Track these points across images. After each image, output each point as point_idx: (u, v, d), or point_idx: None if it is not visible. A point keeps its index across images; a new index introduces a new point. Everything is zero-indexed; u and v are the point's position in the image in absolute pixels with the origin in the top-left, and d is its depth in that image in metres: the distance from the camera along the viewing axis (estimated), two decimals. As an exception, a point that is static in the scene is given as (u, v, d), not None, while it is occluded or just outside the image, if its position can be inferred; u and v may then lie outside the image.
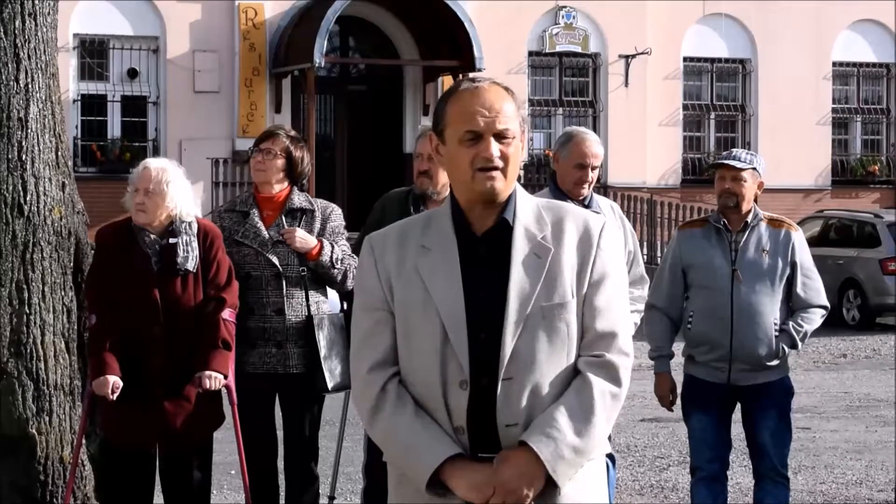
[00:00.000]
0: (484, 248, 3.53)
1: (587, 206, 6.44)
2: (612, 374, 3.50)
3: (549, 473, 3.41)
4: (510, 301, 3.47)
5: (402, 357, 3.55)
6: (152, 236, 5.98)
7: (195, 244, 6.02)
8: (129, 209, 6.06)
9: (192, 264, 5.98)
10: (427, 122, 6.66)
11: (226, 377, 6.00)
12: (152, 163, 6.09)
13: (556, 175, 6.58)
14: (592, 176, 6.51)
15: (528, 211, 3.55)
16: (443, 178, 6.37)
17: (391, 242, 3.61)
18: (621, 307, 3.57)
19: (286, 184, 6.58)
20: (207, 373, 5.91)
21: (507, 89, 3.56)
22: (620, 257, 3.61)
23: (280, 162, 6.52)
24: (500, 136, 3.48)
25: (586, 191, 6.51)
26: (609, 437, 6.62)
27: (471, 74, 22.39)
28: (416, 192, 6.52)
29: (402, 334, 3.54)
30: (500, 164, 3.48)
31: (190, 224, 6.05)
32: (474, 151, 3.48)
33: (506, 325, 3.46)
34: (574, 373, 3.51)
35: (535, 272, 3.49)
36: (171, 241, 5.97)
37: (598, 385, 3.48)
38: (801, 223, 19.45)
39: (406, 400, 3.52)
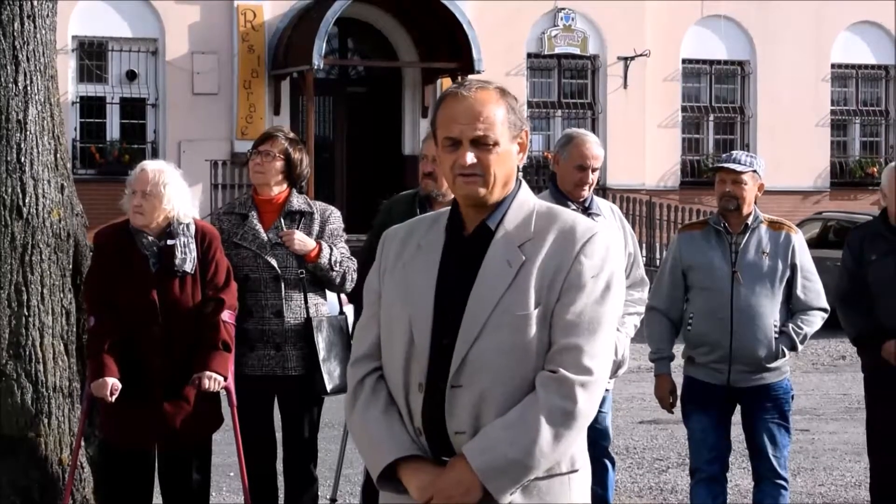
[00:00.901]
0: (465, 250, 3.52)
1: (587, 208, 6.45)
2: (563, 391, 3.39)
3: (484, 485, 3.37)
4: (468, 307, 3.44)
5: (383, 352, 3.58)
6: (150, 238, 5.98)
7: (193, 245, 6.02)
8: (126, 211, 6.06)
9: (189, 266, 5.98)
10: (422, 125, 6.69)
11: (225, 378, 6.01)
12: (149, 165, 6.09)
13: (556, 177, 6.58)
14: (593, 178, 6.52)
15: (518, 216, 3.52)
16: (443, 181, 6.38)
17: (398, 239, 3.63)
18: (595, 321, 3.43)
19: (285, 186, 6.57)
20: (207, 374, 5.92)
21: (502, 93, 3.53)
22: (606, 271, 3.47)
23: (279, 164, 6.51)
24: (478, 143, 3.46)
25: (587, 192, 6.51)
26: (608, 438, 6.68)
27: (470, 77, 22.40)
28: (421, 195, 6.54)
29: (384, 331, 3.58)
30: (477, 171, 3.46)
31: (188, 226, 6.05)
32: (454, 157, 3.48)
33: (460, 331, 3.44)
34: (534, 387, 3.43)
35: (502, 280, 3.44)
36: (169, 242, 5.98)
37: (547, 401, 3.38)
38: (800, 225, 19.46)
39: (380, 395, 3.55)
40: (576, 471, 3.53)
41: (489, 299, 3.43)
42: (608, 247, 3.50)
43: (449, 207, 3.63)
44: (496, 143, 3.47)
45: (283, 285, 6.44)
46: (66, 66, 21.62)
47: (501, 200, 3.53)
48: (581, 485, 3.56)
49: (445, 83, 23.75)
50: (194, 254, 6.02)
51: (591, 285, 3.44)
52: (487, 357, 3.42)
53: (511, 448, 3.37)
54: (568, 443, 3.43)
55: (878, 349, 6.63)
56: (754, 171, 6.44)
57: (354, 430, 3.60)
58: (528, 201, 3.56)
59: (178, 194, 6.02)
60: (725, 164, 6.44)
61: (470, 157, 3.46)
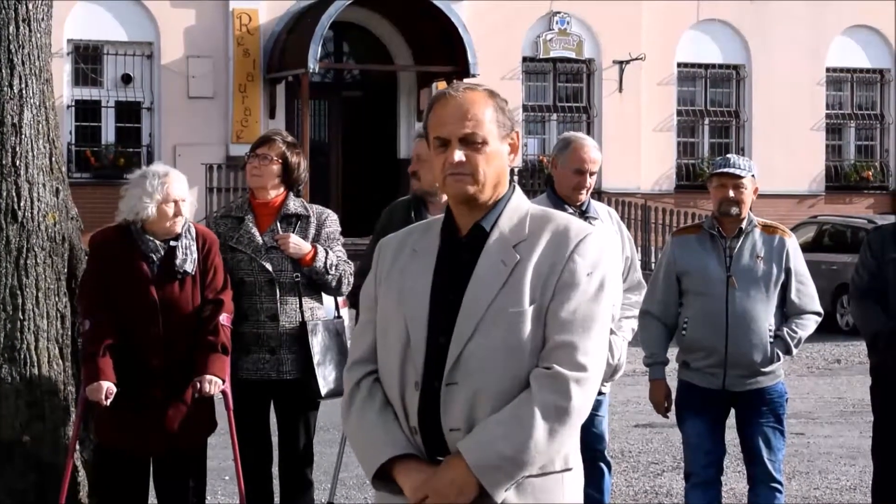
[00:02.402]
0: (460, 253, 3.56)
1: (585, 212, 6.46)
2: (557, 388, 3.42)
3: (479, 482, 3.39)
4: (463, 305, 3.48)
5: (378, 355, 3.62)
6: (157, 241, 5.99)
7: (194, 247, 6.05)
8: (135, 212, 5.98)
9: (190, 266, 6.00)
10: (417, 129, 6.74)
11: (224, 382, 6.01)
12: (172, 170, 6.10)
13: (553, 180, 6.58)
14: (590, 181, 6.52)
15: (513, 218, 3.56)
16: (429, 178, 6.40)
17: (393, 245, 3.68)
18: (589, 318, 3.47)
19: (282, 189, 6.57)
20: (207, 377, 5.92)
21: (490, 94, 3.58)
22: (600, 269, 3.50)
23: (276, 167, 6.51)
24: (466, 142, 3.51)
25: (584, 196, 6.52)
26: (604, 442, 6.67)
27: (465, 80, 22.41)
28: (416, 196, 6.57)
29: (379, 333, 3.61)
30: (465, 169, 3.51)
31: (189, 228, 6.07)
32: (444, 157, 3.53)
33: (455, 329, 3.47)
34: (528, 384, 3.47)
35: (497, 279, 3.48)
36: (172, 243, 5.99)
37: (541, 397, 3.41)
38: (794, 229, 19.49)
39: (376, 398, 3.58)
40: (569, 469, 3.55)
41: (483, 298, 3.47)
42: (602, 247, 3.54)
43: (443, 214, 3.67)
44: (484, 142, 3.52)
45: (278, 289, 6.44)
46: (62, 70, 21.61)
47: (495, 203, 3.57)
48: (574, 484, 3.59)
49: (441, 87, 23.64)
50: (195, 255, 6.04)
51: (586, 283, 3.48)
52: (482, 354, 3.45)
53: (506, 444, 3.39)
54: (562, 439, 3.45)
55: (891, 348, 6.56)
56: (752, 175, 6.45)
57: (350, 432, 3.63)
58: (521, 205, 3.60)
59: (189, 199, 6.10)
60: (727, 169, 6.43)
61: (458, 155, 3.51)
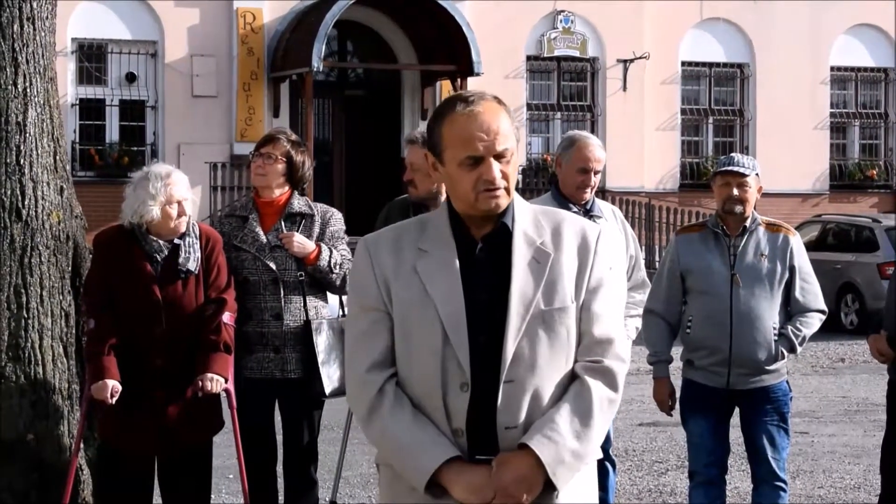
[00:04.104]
0: (483, 252, 3.56)
1: (589, 211, 6.46)
2: (609, 380, 3.54)
3: (549, 477, 3.42)
4: (512, 304, 3.49)
5: (400, 358, 3.56)
6: (160, 241, 5.99)
7: (197, 245, 6.05)
8: (139, 214, 5.98)
9: (193, 265, 6.00)
10: (420, 129, 6.68)
11: (226, 380, 6.01)
12: (174, 169, 6.11)
13: (557, 179, 6.58)
14: (595, 180, 6.52)
15: (526, 216, 3.60)
16: (426, 185, 6.46)
17: (386, 243, 3.62)
18: (617, 314, 3.63)
19: (286, 188, 6.57)
20: (209, 375, 5.92)
21: (499, 102, 3.59)
22: (617, 265, 3.63)
23: (280, 166, 6.51)
24: (500, 157, 3.52)
25: (588, 195, 6.52)
26: (608, 441, 6.67)
27: (470, 80, 22.41)
28: (411, 199, 6.59)
29: (401, 335, 3.55)
30: (502, 183, 3.52)
31: (192, 226, 6.08)
32: (476, 174, 3.51)
33: (508, 327, 3.48)
34: (572, 377, 3.54)
35: (536, 276, 3.52)
36: (176, 241, 6.00)
37: (597, 390, 3.51)
38: (799, 227, 19.46)
39: (404, 401, 3.53)
40: (611, 459, 3.68)
41: (527, 295, 3.50)
42: (613, 241, 3.66)
43: (431, 213, 3.70)
44: (512, 154, 3.55)
45: (282, 288, 6.44)
46: (66, 69, 21.63)
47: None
48: (594, 473, 3.70)
49: (444, 86, 23.76)
50: (198, 254, 6.04)
51: (610, 278, 3.59)
52: (533, 351, 3.49)
53: (574, 437, 3.45)
54: (607, 430, 3.60)
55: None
56: (756, 174, 6.45)
57: (380, 439, 3.56)
58: (524, 202, 3.66)
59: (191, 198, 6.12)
60: (732, 168, 6.42)
61: (496, 172, 3.51)
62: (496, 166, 3.50)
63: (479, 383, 3.48)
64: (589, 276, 3.55)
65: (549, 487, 3.45)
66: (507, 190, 3.54)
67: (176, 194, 5.98)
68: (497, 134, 3.50)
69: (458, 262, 3.54)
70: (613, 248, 3.64)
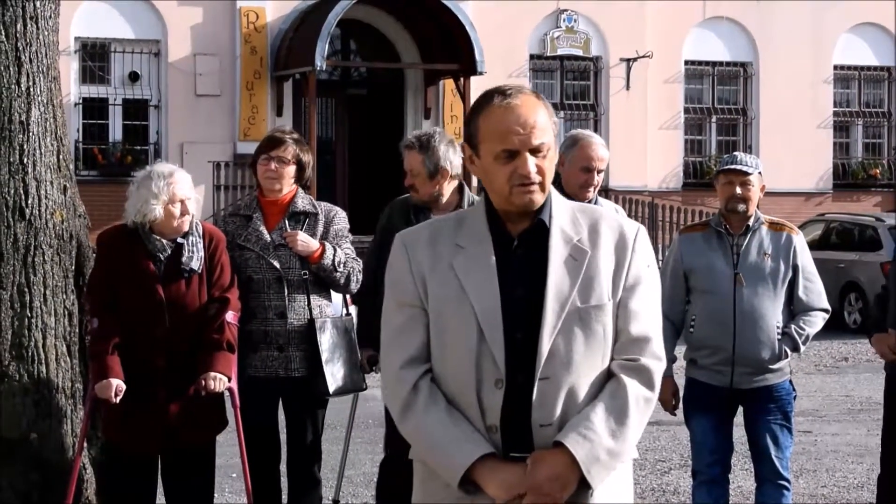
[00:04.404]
0: (519, 248, 3.54)
1: (591, 210, 6.46)
2: (646, 379, 3.52)
3: (584, 475, 3.41)
4: (548, 301, 3.47)
5: (435, 354, 3.56)
6: (164, 240, 5.99)
7: (201, 245, 6.05)
8: (142, 213, 5.99)
9: (196, 264, 6.00)
10: (414, 133, 6.66)
11: (229, 379, 6.01)
12: (178, 169, 6.11)
13: (560, 178, 6.58)
14: (598, 179, 6.53)
15: (564, 214, 3.58)
16: (426, 189, 6.47)
17: (423, 239, 3.62)
18: (654, 311, 3.59)
19: (293, 185, 6.60)
20: (212, 374, 5.92)
21: (538, 96, 3.56)
22: (654, 262, 3.62)
23: (291, 168, 6.55)
24: (536, 151, 3.49)
25: (591, 194, 6.52)
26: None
27: (472, 79, 22.38)
28: (412, 202, 6.60)
29: (436, 331, 3.55)
30: (537, 178, 3.49)
31: (196, 226, 6.08)
32: (511, 168, 3.49)
33: (544, 324, 3.46)
34: (608, 376, 3.52)
35: (573, 274, 3.50)
36: (179, 241, 6.00)
37: (633, 389, 3.49)
38: (802, 227, 19.46)
39: (438, 397, 3.53)
40: (634, 457, 3.64)
41: (563, 292, 3.48)
42: (648, 240, 3.65)
43: (470, 209, 3.67)
44: (549, 149, 3.52)
45: (286, 286, 6.44)
46: (69, 68, 21.64)
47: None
48: (631, 472, 3.69)
49: (447, 85, 23.77)
50: (202, 253, 6.04)
51: (648, 276, 3.58)
52: (569, 349, 3.47)
53: (609, 436, 3.44)
54: (643, 429, 3.55)
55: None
56: (759, 173, 6.45)
57: (415, 435, 3.56)
58: (562, 199, 3.64)
59: (195, 197, 6.11)
60: (734, 166, 6.43)
61: (532, 166, 3.48)
62: (531, 161, 3.48)
63: (514, 380, 3.47)
64: (626, 273, 3.53)
65: (584, 485, 3.44)
66: (543, 185, 3.51)
67: (178, 193, 5.99)
68: (533, 128, 3.48)
69: (494, 258, 3.53)
70: (650, 246, 3.62)
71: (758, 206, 6.51)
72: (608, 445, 3.43)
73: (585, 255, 3.52)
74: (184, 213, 6.00)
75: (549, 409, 3.46)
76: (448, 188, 6.53)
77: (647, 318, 3.55)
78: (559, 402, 3.46)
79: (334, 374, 6.50)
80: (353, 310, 6.84)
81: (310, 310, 6.48)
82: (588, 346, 3.48)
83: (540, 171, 3.50)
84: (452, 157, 6.50)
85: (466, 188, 6.67)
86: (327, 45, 22.13)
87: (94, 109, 22.77)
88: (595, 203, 6.54)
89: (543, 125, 3.50)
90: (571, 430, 3.43)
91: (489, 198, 3.59)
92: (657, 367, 3.54)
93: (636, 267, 3.55)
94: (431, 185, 6.47)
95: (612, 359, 3.53)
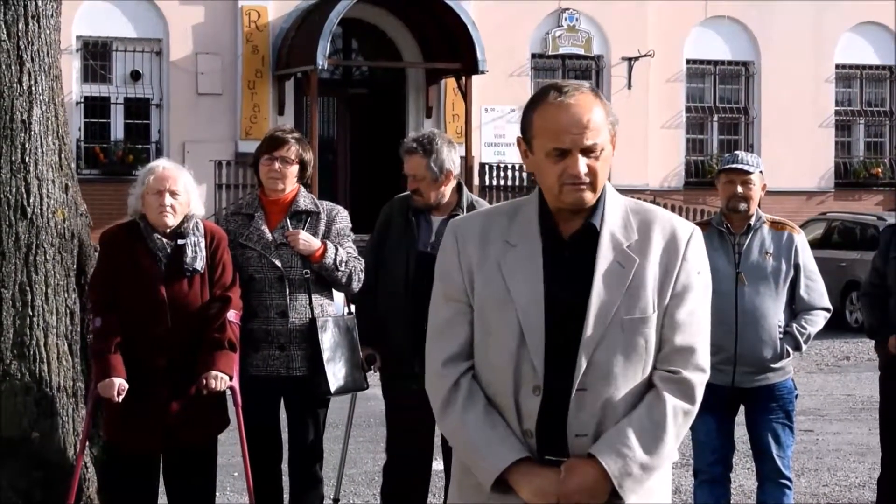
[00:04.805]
0: (568, 252, 3.50)
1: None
2: (686, 392, 3.47)
3: (616, 489, 3.39)
4: (591, 310, 3.43)
5: (478, 353, 3.54)
6: (164, 239, 5.99)
7: (203, 244, 6.04)
8: (136, 211, 6.03)
9: (199, 264, 5.99)
10: (412, 135, 6.64)
11: (231, 378, 6.01)
12: (169, 165, 6.11)
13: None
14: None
15: (617, 215, 3.52)
16: (431, 193, 6.48)
17: (475, 233, 3.58)
18: (702, 320, 3.53)
19: (294, 183, 6.61)
20: (213, 373, 5.92)
21: (596, 94, 3.51)
22: (705, 268, 3.55)
23: (295, 168, 6.55)
24: (588, 151, 3.45)
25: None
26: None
27: (474, 78, 22.32)
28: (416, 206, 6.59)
29: (480, 329, 3.53)
30: (587, 179, 3.45)
31: (197, 225, 6.07)
32: (562, 167, 3.45)
33: (584, 334, 3.42)
34: (648, 386, 3.48)
35: (618, 282, 3.45)
36: (180, 241, 5.99)
37: (671, 402, 3.45)
38: (803, 226, 19.47)
39: (478, 397, 3.51)
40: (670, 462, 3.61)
41: (609, 302, 3.43)
42: (703, 242, 3.58)
43: (525, 198, 3.62)
44: (603, 149, 3.47)
45: (287, 285, 6.44)
46: (71, 67, 21.65)
47: (598, 199, 3.53)
48: (670, 475, 3.64)
49: (449, 84, 23.77)
50: (204, 252, 6.03)
51: (697, 283, 3.51)
52: (610, 360, 3.43)
53: (643, 450, 3.41)
54: (681, 439, 3.51)
55: (886, 343, 6.65)
56: (760, 172, 6.45)
57: (453, 432, 3.55)
58: (617, 197, 3.58)
59: (194, 194, 6.09)
60: (735, 166, 6.42)
61: (583, 167, 3.44)
62: (583, 161, 3.43)
63: (552, 388, 3.44)
64: (675, 281, 3.47)
65: (616, 496, 3.41)
66: (594, 185, 3.46)
67: (157, 184, 5.96)
68: (586, 128, 3.43)
69: (542, 260, 3.49)
70: (703, 249, 3.55)
71: (759, 206, 6.51)
72: (642, 460, 3.40)
73: (633, 263, 3.46)
74: (163, 205, 5.95)
75: (584, 419, 3.43)
76: (449, 188, 6.53)
77: (693, 328, 3.49)
78: (596, 412, 3.43)
79: (336, 374, 6.50)
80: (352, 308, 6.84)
81: (311, 309, 6.48)
82: (628, 358, 3.44)
83: (592, 172, 3.45)
84: (455, 158, 6.51)
85: (465, 188, 6.67)
86: (329, 44, 22.13)
87: (95, 108, 22.78)
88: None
89: (598, 125, 3.45)
90: (606, 443, 3.41)
91: (543, 194, 3.55)
92: (699, 380, 3.49)
93: (685, 274, 3.49)
94: (437, 187, 6.46)
95: (654, 367, 3.48)
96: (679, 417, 3.46)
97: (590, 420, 3.43)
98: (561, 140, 3.43)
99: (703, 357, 3.51)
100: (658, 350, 3.48)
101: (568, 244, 3.51)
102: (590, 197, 3.47)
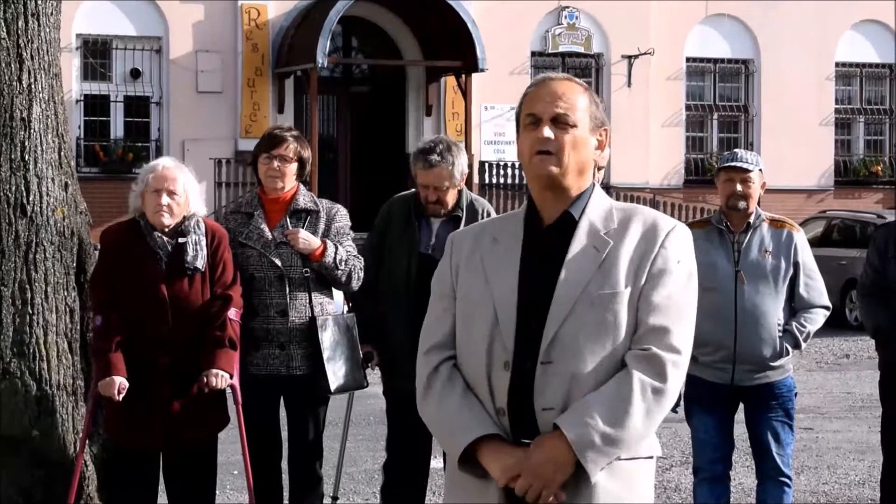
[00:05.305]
0: (547, 241, 3.57)
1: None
2: (655, 368, 3.46)
3: (579, 459, 3.40)
4: (558, 286, 3.49)
5: (458, 341, 3.62)
6: (164, 237, 5.99)
7: (204, 243, 6.04)
8: (137, 209, 6.03)
9: (200, 263, 5.99)
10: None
11: (231, 376, 6.00)
12: (169, 163, 6.10)
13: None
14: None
15: (599, 209, 3.60)
16: (453, 200, 6.55)
17: (470, 236, 3.71)
18: (682, 306, 3.55)
19: (294, 182, 6.61)
20: (214, 371, 5.92)
21: (587, 88, 3.63)
22: (687, 260, 3.58)
23: (294, 166, 6.55)
24: (557, 121, 3.53)
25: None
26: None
27: (474, 76, 22.35)
28: (416, 194, 6.60)
29: (460, 319, 3.61)
30: (552, 147, 3.52)
31: (198, 223, 6.07)
32: (534, 135, 3.54)
33: (551, 310, 3.48)
34: (621, 365, 3.49)
35: (591, 262, 3.50)
36: (181, 240, 5.99)
37: (639, 377, 3.45)
38: (803, 224, 19.47)
39: (456, 381, 3.58)
40: (651, 457, 3.61)
41: (578, 280, 3.49)
42: (688, 239, 3.61)
43: (518, 209, 3.70)
44: (574, 125, 3.54)
45: (287, 284, 6.44)
46: (70, 65, 21.65)
47: (580, 194, 3.60)
48: (653, 472, 3.65)
49: (449, 82, 23.77)
50: (205, 251, 6.03)
51: (677, 270, 3.54)
52: (577, 335, 3.47)
53: (606, 421, 3.41)
54: (655, 420, 3.50)
55: (892, 344, 6.62)
56: (760, 170, 6.45)
57: (430, 417, 3.62)
58: (605, 197, 3.65)
59: (194, 193, 6.08)
60: (735, 164, 6.42)
61: (547, 132, 3.52)
62: (550, 129, 3.52)
63: (521, 363, 3.49)
64: (651, 263, 3.51)
65: (584, 473, 3.42)
66: (560, 159, 3.53)
67: (155, 183, 5.97)
68: (559, 98, 3.54)
69: (521, 249, 3.57)
70: (687, 243, 3.59)
71: (759, 204, 6.51)
72: (604, 431, 3.40)
73: (607, 246, 3.52)
74: (159, 203, 5.95)
75: (550, 393, 3.47)
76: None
77: (671, 311, 3.50)
78: (561, 386, 3.46)
79: (336, 372, 6.50)
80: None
81: (311, 307, 6.48)
82: (597, 332, 3.47)
83: (559, 142, 3.53)
84: (465, 159, 6.63)
85: (464, 187, 6.70)
86: (329, 43, 22.14)
87: (95, 106, 22.78)
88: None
89: (572, 102, 3.55)
90: (569, 413, 3.44)
91: (529, 188, 3.65)
92: (671, 358, 3.48)
93: (663, 259, 3.52)
94: (455, 193, 6.56)
95: (630, 349, 3.50)
96: (648, 393, 3.45)
97: (555, 394, 3.46)
98: (534, 106, 3.55)
99: (679, 339, 3.51)
100: (634, 332, 3.50)
101: (546, 231, 3.58)
102: (554, 170, 3.53)
